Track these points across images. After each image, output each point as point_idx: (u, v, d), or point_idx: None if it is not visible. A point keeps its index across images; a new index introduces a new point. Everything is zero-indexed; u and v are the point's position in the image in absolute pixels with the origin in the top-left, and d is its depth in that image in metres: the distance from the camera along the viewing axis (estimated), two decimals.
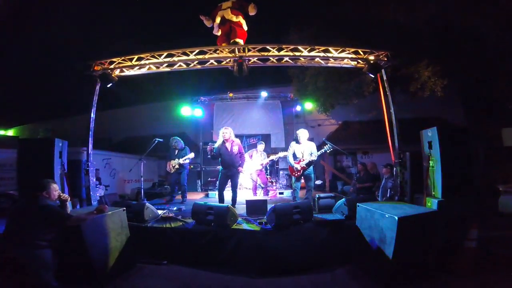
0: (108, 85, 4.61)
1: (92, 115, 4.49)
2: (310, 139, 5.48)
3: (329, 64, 4.82)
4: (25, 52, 9.50)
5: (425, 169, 3.92)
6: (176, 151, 6.07)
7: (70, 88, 10.16)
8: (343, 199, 4.35)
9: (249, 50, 4.52)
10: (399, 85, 6.53)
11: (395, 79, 4.71)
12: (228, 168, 4.95)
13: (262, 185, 6.42)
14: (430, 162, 3.81)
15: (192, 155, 6.08)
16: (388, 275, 2.94)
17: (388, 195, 5.11)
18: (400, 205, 3.65)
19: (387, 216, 3.03)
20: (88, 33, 9.55)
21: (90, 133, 4.42)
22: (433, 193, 3.71)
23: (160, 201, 6.15)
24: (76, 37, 9.60)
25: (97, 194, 4.53)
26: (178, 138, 6.21)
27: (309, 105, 9.09)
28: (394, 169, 4.46)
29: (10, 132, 12.81)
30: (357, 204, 3.71)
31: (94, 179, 4.41)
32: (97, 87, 4.58)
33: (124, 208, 3.78)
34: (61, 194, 2.97)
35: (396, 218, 2.88)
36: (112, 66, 4.64)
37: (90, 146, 4.38)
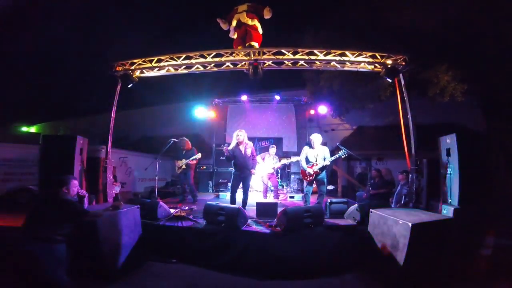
0: (129, 85, 4.79)
1: (113, 114, 4.67)
2: (324, 143, 5.42)
3: (345, 68, 4.78)
4: (48, 51, 9.99)
5: (442, 176, 3.81)
6: (184, 151, 6.21)
7: (90, 88, 10.64)
8: (356, 204, 4.27)
9: (264, 54, 4.58)
10: (418, 89, 6.34)
11: (413, 83, 4.59)
12: (241, 170, 4.99)
13: (273, 188, 6.41)
14: (448, 169, 3.69)
15: (199, 155, 6.18)
16: (397, 282, 2.86)
17: (402, 202, 4.96)
18: (415, 211, 3.55)
19: (400, 222, 2.97)
20: (108, 34, 9.93)
21: (110, 131, 4.60)
22: (449, 200, 3.59)
23: (173, 200, 6.29)
24: (97, 38, 10.03)
25: (113, 191, 4.69)
26: (186, 138, 6.35)
27: (323, 109, 8.98)
28: (410, 175, 4.34)
29: (33, 129, 13.40)
30: (370, 210, 3.65)
31: (111, 177, 4.58)
32: (119, 87, 4.76)
33: (139, 206, 3.92)
34: (80, 190, 3.10)
35: (410, 224, 2.82)
36: (133, 67, 4.82)
37: (110, 144, 4.56)
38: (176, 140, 6.01)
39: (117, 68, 4.80)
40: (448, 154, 3.72)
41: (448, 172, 3.67)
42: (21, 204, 5.49)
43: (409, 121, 4.35)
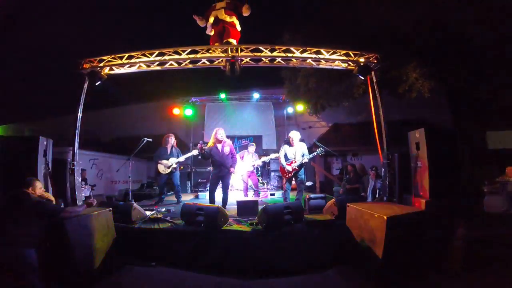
0: (97, 83, 4.51)
1: (79, 112, 4.36)
2: (301, 140, 5.52)
3: (321, 66, 4.87)
4: (10, 50, 9.15)
5: (413, 170, 4.01)
6: (169, 150, 5.81)
7: (58, 88, 9.85)
8: (333, 199, 4.38)
9: (242, 50, 4.51)
10: (388, 87, 6.66)
11: (384, 81, 4.81)
12: (219, 169, 4.92)
13: (253, 187, 6.40)
14: (418, 163, 3.90)
15: (195, 151, 5.77)
16: (378, 275, 2.96)
17: (377, 196, 5.19)
18: (389, 205, 3.71)
19: (376, 216, 3.07)
20: (76, 32, 9.30)
21: (77, 131, 4.28)
22: (421, 193, 3.79)
23: (150, 203, 6.02)
24: (64, 36, 9.34)
25: (83, 195, 4.39)
26: (171, 134, 6.00)
27: (300, 107, 9.17)
28: (383, 170, 4.54)
29: None
30: (347, 204, 3.75)
31: (80, 179, 4.27)
32: (85, 85, 4.45)
33: (111, 209, 3.69)
34: (44, 193, 2.88)
35: (385, 217, 2.91)
36: (101, 64, 4.54)
37: (76, 145, 4.24)
38: (150, 140, 5.74)
39: (84, 66, 4.50)
40: (417, 148, 3.94)
41: (418, 165, 3.89)
42: None
43: (380, 117, 4.54)
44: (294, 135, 5.29)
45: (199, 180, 8.41)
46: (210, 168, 5.12)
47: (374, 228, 3.06)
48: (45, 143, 3.74)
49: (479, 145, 7.98)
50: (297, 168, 5.17)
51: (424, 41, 6.51)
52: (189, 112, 9.44)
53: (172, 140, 5.87)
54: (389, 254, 2.89)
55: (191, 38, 5.12)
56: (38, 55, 9.38)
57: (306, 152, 5.20)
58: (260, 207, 4.15)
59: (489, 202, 5.59)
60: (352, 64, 4.71)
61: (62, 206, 3.92)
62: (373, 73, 4.56)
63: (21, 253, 2.34)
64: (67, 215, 2.81)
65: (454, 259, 3.14)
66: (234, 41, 4.61)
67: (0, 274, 2.30)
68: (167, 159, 5.74)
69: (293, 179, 5.30)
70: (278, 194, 7.02)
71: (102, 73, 4.56)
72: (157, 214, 4.39)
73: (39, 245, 2.50)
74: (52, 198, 3.03)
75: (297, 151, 5.20)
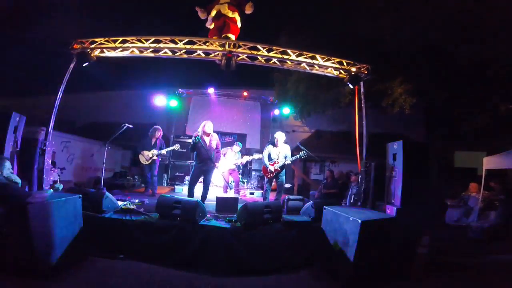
0: (84, 65, 4.31)
1: (60, 93, 4.12)
2: (285, 143, 5.60)
3: (314, 71, 4.99)
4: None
5: (388, 179, 4.22)
6: (154, 140, 5.90)
7: (37, 66, 9.19)
8: (311, 202, 4.48)
9: (239, 47, 4.51)
10: (372, 99, 6.95)
11: (368, 94, 5.01)
12: (203, 162, 4.78)
13: (234, 184, 6.36)
14: (393, 172, 4.11)
15: (177, 146, 6.03)
16: (348, 277, 3.06)
17: (351, 201, 5.39)
18: (364, 210, 3.86)
19: (351, 219, 3.16)
20: (68, 13, 8.73)
21: (54, 110, 4.03)
22: (392, 201, 4.00)
23: (121, 192, 5.77)
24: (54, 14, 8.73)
25: (50, 178, 4.10)
26: (159, 127, 6.05)
27: (287, 110, 9.27)
28: (359, 177, 4.73)
29: None
30: (324, 207, 3.84)
31: (50, 162, 3.99)
32: (72, 66, 4.24)
33: (80, 196, 3.43)
34: (11, 175, 2.65)
35: (360, 221, 3.00)
36: (92, 46, 4.34)
37: (52, 124, 3.97)
38: (130, 126, 5.53)
39: (74, 46, 4.29)
40: (394, 159, 4.15)
41: (393, 175, 4.10)
42: None
43: (363, 127, 4.74)
44: (280, 136, 5.35)
45: (177, 174, 8.21)
46: (191, 162, 5.00)
47: (349, 231, 3.16)
48: (17, 119, 3.45)
49: (447, 162, 8.59)
50: (279, 169, 5.23)
51: (411, 58, 6.84)
52: (174, 103, 9.18)
53: (158, 134, 6.00)
54: (360, 257, 2.99)
55: (188, 30, 5.04)
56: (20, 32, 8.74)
57: (289, 154, 5.28)
58: (240, 205, 4.14)
59: (450, 214, 6.05)
60: (344, 73, 4.87)
61: (27, 189, 3.64)
62: (361, 83, 4.75)
63: None
64: (32, 200, 2.58)
65: (419, 265, 3.34)
66: (233, 37, 4.62)
67: None
68: (149, 150, 5.83)
69: (274, 179, 5.35)
70: (258, 194, 7.04)
71: (92, 55, 4.37)
72: (129, 205, 4.18)
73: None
74: (19, 181, 2.79)
75: (280, 152, 5.26)
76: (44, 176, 3.77)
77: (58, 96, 4.12)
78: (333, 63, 4.79)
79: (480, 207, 5.56)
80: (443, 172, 7.81)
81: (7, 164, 2.52)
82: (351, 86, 4.87)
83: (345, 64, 4.77)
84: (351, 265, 3.02)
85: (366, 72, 4.69)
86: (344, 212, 3.43)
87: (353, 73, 4.73)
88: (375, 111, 7.58)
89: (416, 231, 3.47)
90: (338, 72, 4.91)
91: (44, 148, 3.77)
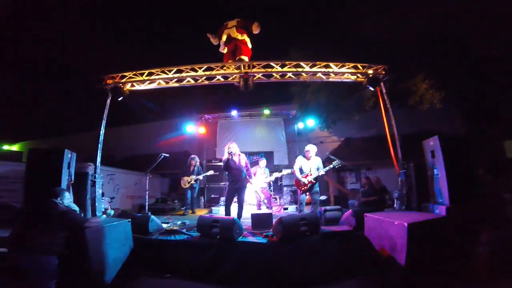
0: (120, 99, 4.75)
1: (102, 127, 4.58)
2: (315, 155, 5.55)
3: (330, 79, 5.02)
4: (31, 68, 9.78)
5: (430, 178, 3.94)
6: (192, 168, 6.73)
7: (76, 106, 10.40)
8: (350, 210, 4.31)
9: (254, 67, 4.75)
10: (398, 99, 6.68)
11: (393, 94, 4.85)
12: (235, 181, 4.89)
13: (266, 201, 6.35)
14: (434, 170, 3.84)
15: (211, 172, 6.98)
16: (401, 284, 2.85)
17: (395, 206, 5.05)
18: (408, 213, 3.63)
19: (396, 223, 3.01)
20: (96, 50, 9.92)
21: (99, 145, 4.49)
22: (440, 200, 3.70)
23: (164, 216, 6.09)
24: (84, 54, 9.99)
25: (102, 206, 4.51)
26: (196, 156, 6.98)
27: (311, 122, 9.21)
28: (399, 179, 4.47)
29: (14, 148, 13.01)
30: (365, 214, 3.69)
31: (101, 191, 4.41)
32: (108, 101, 4.70)
33: (129, 220, 3.77)
34: (71, 204, 3.01)
35: (406, 224, 2.86)
36: (123, 80, 4.80)
37: (99, 158, 4.44)
38: (167, 155, 5.98)
39: (107, 81, 4.77)
40: (433, 156, 3.89)
41: (435, 173, 3.82)
42: (2, 221, 5.18)
43: (393, 128, 4.56)
44: (311, 148, 5.31)
45: (212, 196, 8.46)
46: (224, 183, 5.15)
47: (395, 235, 2.99)
48: (69, 155, 3.93)
49: (497, 154, 7.71)
50: (312, 181, 5.15)
51: (430, 53, 6.57)
52: (202, 130, 9.71)
53: (194, 162, 6.87)
54: (412, 261, 2.79)
55: (207, 57, 5.42)
56: (55, 73, 9.98)
57: (321, 165, 5.20)
58: (274, 220, 4.13)
59: None
60: (361, 76, 4.83)
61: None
62: (382, 84, 4.66)
63: (42, 259, 2.38)
64: (89, 225, 2.92)
65: (480, 265, 2.98)
66: (246, 58, 4.84)
67: (17, 280, 2.33)
68: (188, 176, 6.68)
69: (308, 192, 5.27)
70: (292, 209, 6.92)
71: (124, 89, 4.81)
72: (173, 226, 4.42)
73: (61, 252, 2.56)
74: (77, 209, 3.14)
75: (312, 165, 5.21)
76: (96, 204, 4.18)
77: (101, 132, 4.56)
78: (348, 68, 4.79)
79: None
80: (495, 164, 6.99)
81: (67, 194, 2.88)
82: (371, 89, 4.79)
83: (360, 67, 4.74)
84: (403, 270, 2.83)
85: (384, 72, 4.61)
86: (387, 217, 3.28)
87: (371, 75, 4.67)
88: (405, 111, 7.23)
89: (472, 229, 3.15)
90: (355, 77, 4.88)
91: (94, 180, 4.22)
